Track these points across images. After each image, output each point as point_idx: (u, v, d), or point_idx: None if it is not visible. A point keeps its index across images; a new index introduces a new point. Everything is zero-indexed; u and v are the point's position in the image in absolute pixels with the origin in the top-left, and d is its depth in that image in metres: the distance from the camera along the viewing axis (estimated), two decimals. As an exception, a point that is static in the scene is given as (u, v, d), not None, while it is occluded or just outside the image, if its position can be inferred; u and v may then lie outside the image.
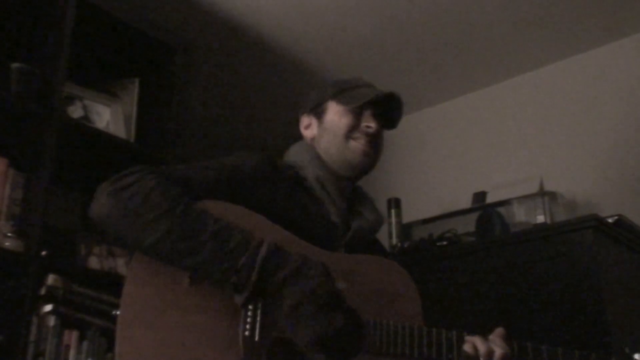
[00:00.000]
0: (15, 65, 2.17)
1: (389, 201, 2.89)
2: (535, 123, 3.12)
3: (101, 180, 1.26)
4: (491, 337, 1.37)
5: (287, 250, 1.25)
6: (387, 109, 1.57)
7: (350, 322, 1.28)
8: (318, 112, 1.58)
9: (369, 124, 1.52)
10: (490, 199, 2.77)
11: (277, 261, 1.23)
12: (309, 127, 1.59)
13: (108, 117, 2.49)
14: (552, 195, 2.59)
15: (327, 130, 1.54)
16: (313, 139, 1.57)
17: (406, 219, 2.90)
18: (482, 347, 1.33)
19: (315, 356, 1.21)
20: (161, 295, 1.22)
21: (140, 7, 2.76)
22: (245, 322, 1.23)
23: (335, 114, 1.54)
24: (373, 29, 2.96)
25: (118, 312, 1.20)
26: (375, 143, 1.54)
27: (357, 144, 1.52)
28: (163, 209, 1.21)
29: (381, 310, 1.35)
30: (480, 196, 2.87)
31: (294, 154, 1.56)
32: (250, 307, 1.23)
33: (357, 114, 1.53)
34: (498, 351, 1.33)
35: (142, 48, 2.64)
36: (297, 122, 1.63)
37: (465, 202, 2.92)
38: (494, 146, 3.22)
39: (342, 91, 1.56)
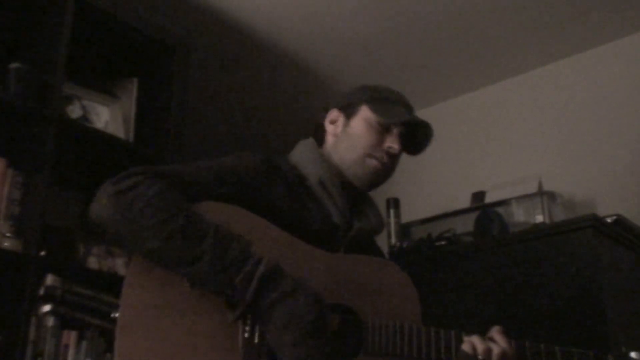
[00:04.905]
0: (13, 65, 2.16)
1: (388, 201, 2.88)
2: (534, 123, 3.12)
3: (100, 180, 1.25)
4: (489, 334, 1.38)
5: (284, 271, 1.24)
6: (415, 133, 1.56)
7: (349, 323, 1.28)
8: (349, 111, 1.55)
9: (393, 145, 1.50)
10: (489, 199, 2.77)
11: (272, 282, 1.21)
12: (334, 122, 1.57)
13: (107, 117, 2.48)
14: (551, 195, 2.59)
15: (351, 136, 1.52)
16: (335, 135, 1.55)
17: (405, 218, 2.90)
18: (480, 346, 1.33)
19: None
20: (161, 297, 1.22)
21: (139, 6, 2.76)
22: (245, 325, 1.23)
23: (364, 122, 1.52)
24: (372, 30, 2.96)
25: (117, 315, 1.20)
26: (391, 163, 1.53)
27: (374, 163, 1.50)
28: (164, 215, 1.20)
29: (380, 311, 1.35)
30: (479, 196, 2.86)
31: (299, 154, 1.55)
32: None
33: (385, 129, 1.51)
34: (496, 349, 1.34)
35: (141, 48, 2.63)
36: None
37: (464, 202, 2.92)
38: (492, 146, 3.22)
39: (377, 99, 1.54)
